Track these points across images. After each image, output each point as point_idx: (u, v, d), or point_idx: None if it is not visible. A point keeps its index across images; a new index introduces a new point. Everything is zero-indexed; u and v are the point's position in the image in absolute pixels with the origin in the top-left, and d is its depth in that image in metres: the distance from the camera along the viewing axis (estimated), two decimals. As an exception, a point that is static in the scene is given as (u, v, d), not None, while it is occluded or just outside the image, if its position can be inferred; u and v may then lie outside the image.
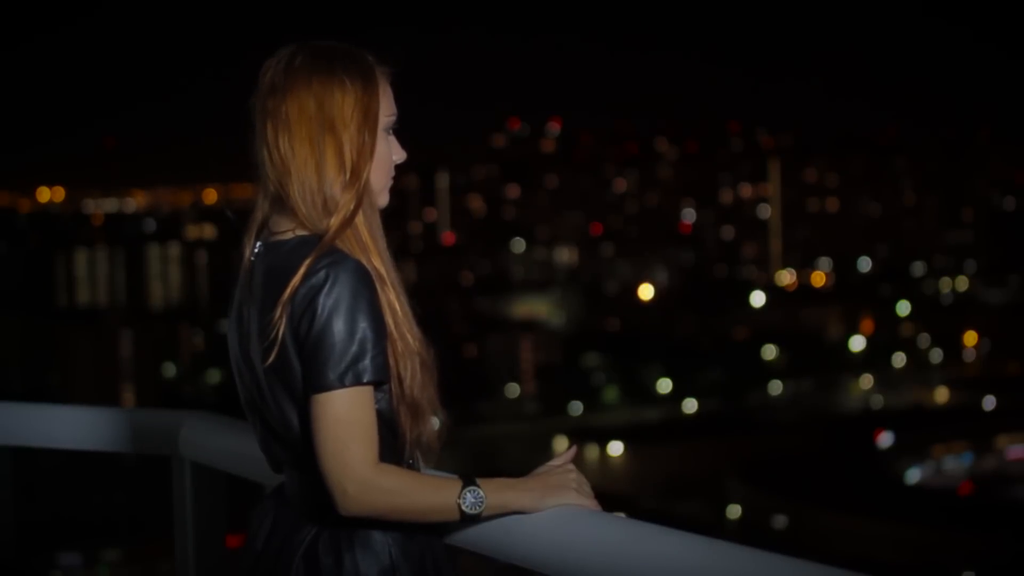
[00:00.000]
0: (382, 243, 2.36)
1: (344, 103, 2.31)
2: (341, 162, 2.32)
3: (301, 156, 2.31)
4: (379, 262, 2.32)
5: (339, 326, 2.21)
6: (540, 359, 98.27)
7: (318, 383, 2.21)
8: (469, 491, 2.26)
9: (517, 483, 2.32)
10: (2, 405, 3.93)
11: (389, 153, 2.40)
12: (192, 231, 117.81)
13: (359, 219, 2.33)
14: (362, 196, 2.33)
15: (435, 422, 2.40)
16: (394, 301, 2.32)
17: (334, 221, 2.29)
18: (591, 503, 2.33)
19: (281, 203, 2.35)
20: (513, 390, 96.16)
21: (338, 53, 2.35)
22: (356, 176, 2.32)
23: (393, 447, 2.33)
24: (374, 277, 2.29)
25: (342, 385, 2.21)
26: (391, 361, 2.29)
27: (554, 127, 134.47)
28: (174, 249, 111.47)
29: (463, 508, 2.26)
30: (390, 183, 2.42)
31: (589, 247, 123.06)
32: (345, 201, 2.31)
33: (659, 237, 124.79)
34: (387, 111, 2.38)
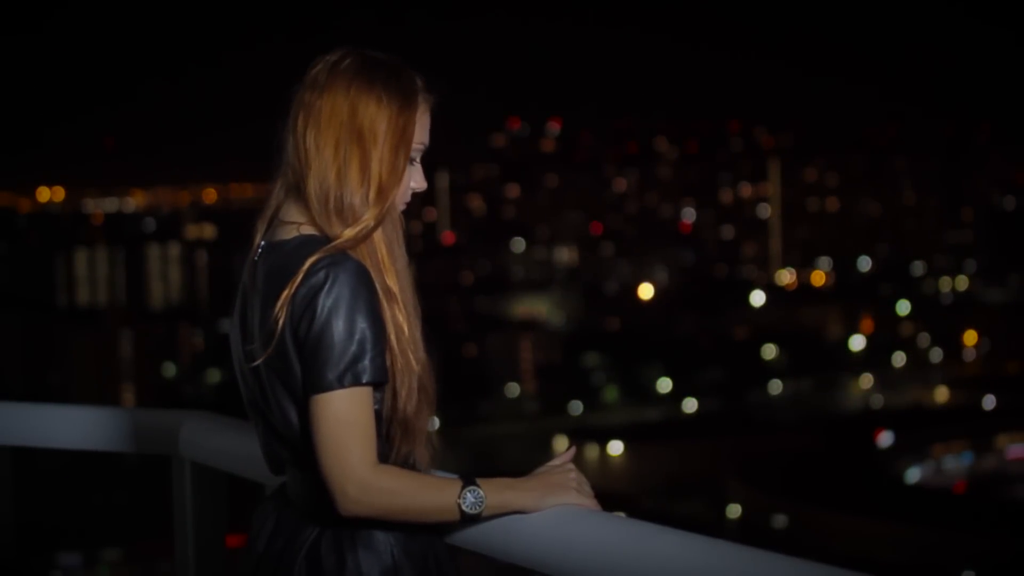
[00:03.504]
0: (401, 263, 2.37)
1: (377, 118, 2.32)
2: (364, 175, 2.32)
3: (325, 155, 2.32)
4: (393, 281, 2.33)
5: (338, 326, 2.21)
6: (540, 359, 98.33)
7: (317, 384, 2.22)
8: (469, 491, 2.26)
9: (517, 483, 2.32)
10: (2, 405, 3.93)
11: (409, 179, 2.41)
12: (192, 231, 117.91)
13: (378, 236, 2.34)
14: (384, 216, 2.34)
15: (429, 446, 2.41)
16: (402, 321, 2.32)
17: (349, 232, 2.30)
18: (591, 503, 2.33)
19: (296, 193, 2.36)
20: (513, 390, 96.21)
21: (384, 67, 2.36)
22: (383, 196, 2.33)
23: (386, 450, 2.35)
24: (385, 294, 2.30)
25: (341, 386, 2.21)
26: (390, 376, 2.30)
27: (554, 127, 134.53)
28: (174, 249, 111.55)
29: (463, 508, 2.26)
30: (404, 207, 2.43)
31: (589, 247, 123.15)
32: (366, 218, 2.31)
33: (659, 237, 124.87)
34: (419, 138, 2.38)
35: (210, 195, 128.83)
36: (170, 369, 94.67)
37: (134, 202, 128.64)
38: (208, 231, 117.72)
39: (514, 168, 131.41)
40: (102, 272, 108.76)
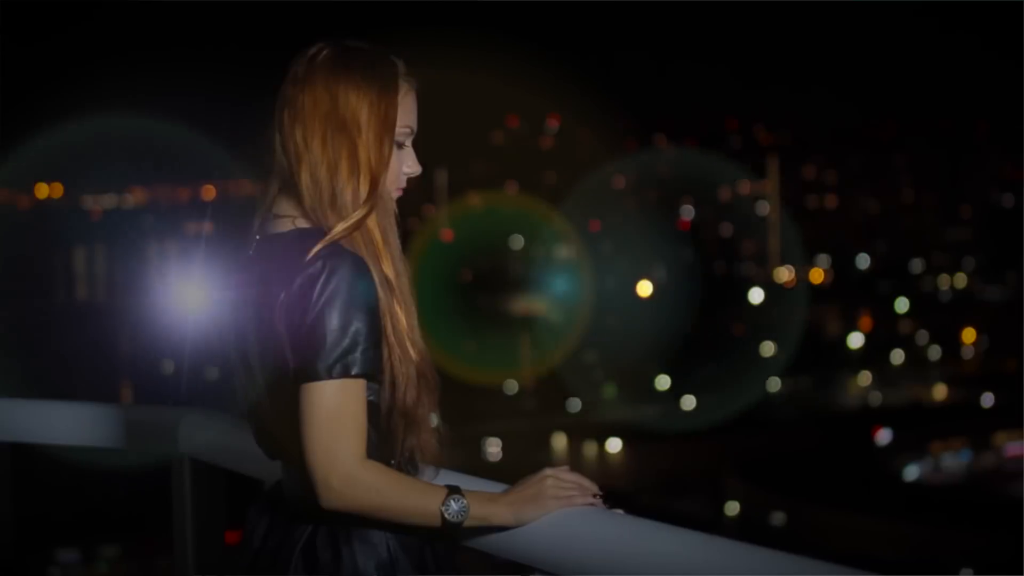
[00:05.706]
0: (396, 250, 2.36)
1: (358, 106, 2.32)
2: (354, 165, 2.32)
3: (314, 150, 2.32)
4: (389, 268, 2.33)
5: (332, 318, 2.21)
6: (539, 357, 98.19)
7: (308, 374, 2.21)
8: (454, 499, 2.26)
9: (498, 497, 2.31)
10: (1, 402, 3.93)
11: (399, 164, 2.40)
12: (191, 229, 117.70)
13: (372, 223, 2.33)
14: (375, 205, 2.34)
15: (435, 438, 2.40)
16: (399, 311, 2.32)
17: (342, 224, 2.30)
18: (580, 500, 2.31)
19: (288, 188, 2.36)
20: (512, 387, 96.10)
21: (362, 55, 2.36)
22: (373, 185, 2.33)
23: (380, 448, 2.33)
24: (381, 283, 2.29)
25: (331, 376, 2.20)
26: (386, 367, 2.30)
27: (553, 125, 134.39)
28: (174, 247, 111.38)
29: (446, 515, 2.25)
30: (398, 193, 2.42)
31: (589, 245, 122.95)
32: (358, 208, 2.31)
33: (658, 234, 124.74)
34: (402, 122, 2.37)
35: (209, 192, 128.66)
36: (170, 367, 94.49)
37: (133, 199, 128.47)
38: (208, 230, 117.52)
39: (513, 167, 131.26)
40: (101, 269, 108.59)
